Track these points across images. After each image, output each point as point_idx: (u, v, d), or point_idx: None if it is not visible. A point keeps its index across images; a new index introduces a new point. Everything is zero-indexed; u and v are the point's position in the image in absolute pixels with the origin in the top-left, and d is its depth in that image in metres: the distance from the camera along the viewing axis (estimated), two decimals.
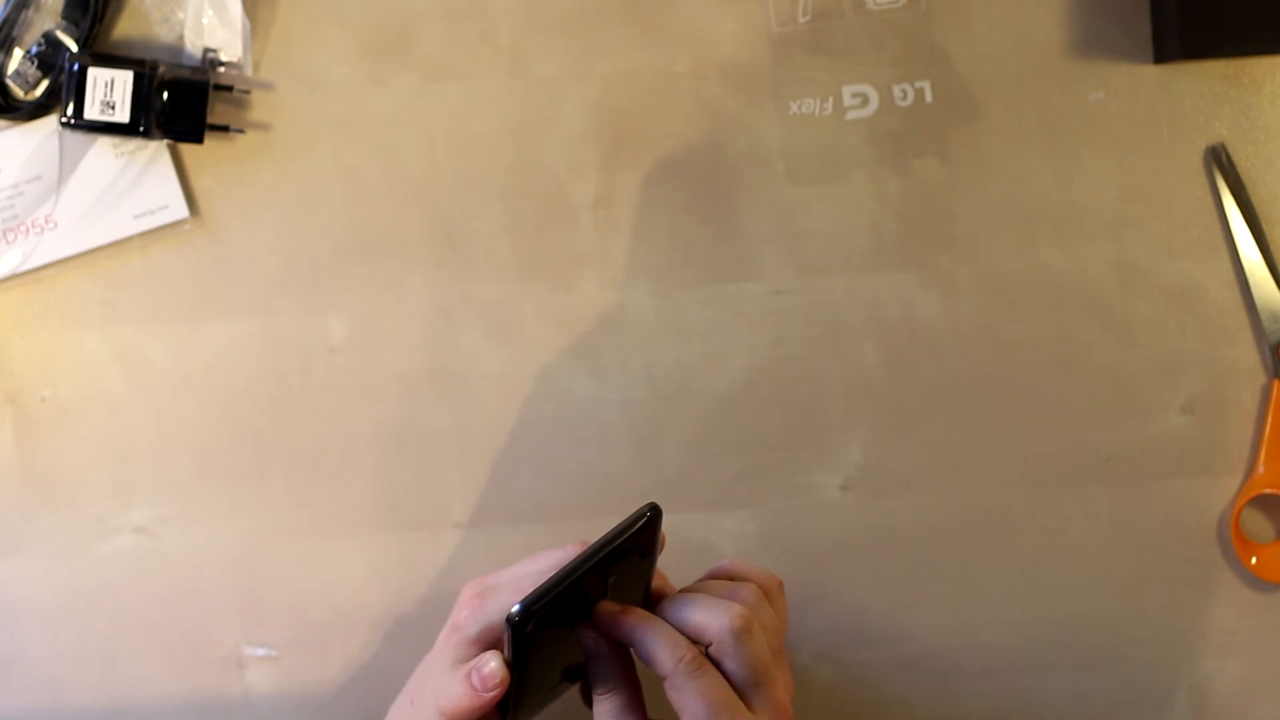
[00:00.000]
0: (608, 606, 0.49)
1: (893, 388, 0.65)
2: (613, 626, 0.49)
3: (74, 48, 0.62)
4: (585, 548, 0.48)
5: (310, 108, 0.65)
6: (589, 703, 0.50)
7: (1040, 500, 0.66)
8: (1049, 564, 0.66)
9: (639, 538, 0.48)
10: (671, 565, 0.65)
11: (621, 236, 0.65)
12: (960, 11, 0.65)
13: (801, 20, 0.65)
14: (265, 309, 0.65)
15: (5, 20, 0.63)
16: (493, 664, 0.48)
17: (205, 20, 0.63)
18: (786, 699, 0.50)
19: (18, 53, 0.63)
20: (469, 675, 0.48)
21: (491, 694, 0.47)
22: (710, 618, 0.49)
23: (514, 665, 0.47)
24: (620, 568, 0.48)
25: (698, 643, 0.49)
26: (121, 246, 0.64)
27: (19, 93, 0.63)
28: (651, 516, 0.48)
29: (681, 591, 0.52)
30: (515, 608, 0.46)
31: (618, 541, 0.47)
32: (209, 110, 0.63)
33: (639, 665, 0.50)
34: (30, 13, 0.63)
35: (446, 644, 0.52)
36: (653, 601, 0.51)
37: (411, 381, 0.65)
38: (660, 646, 0.48)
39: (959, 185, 0.65)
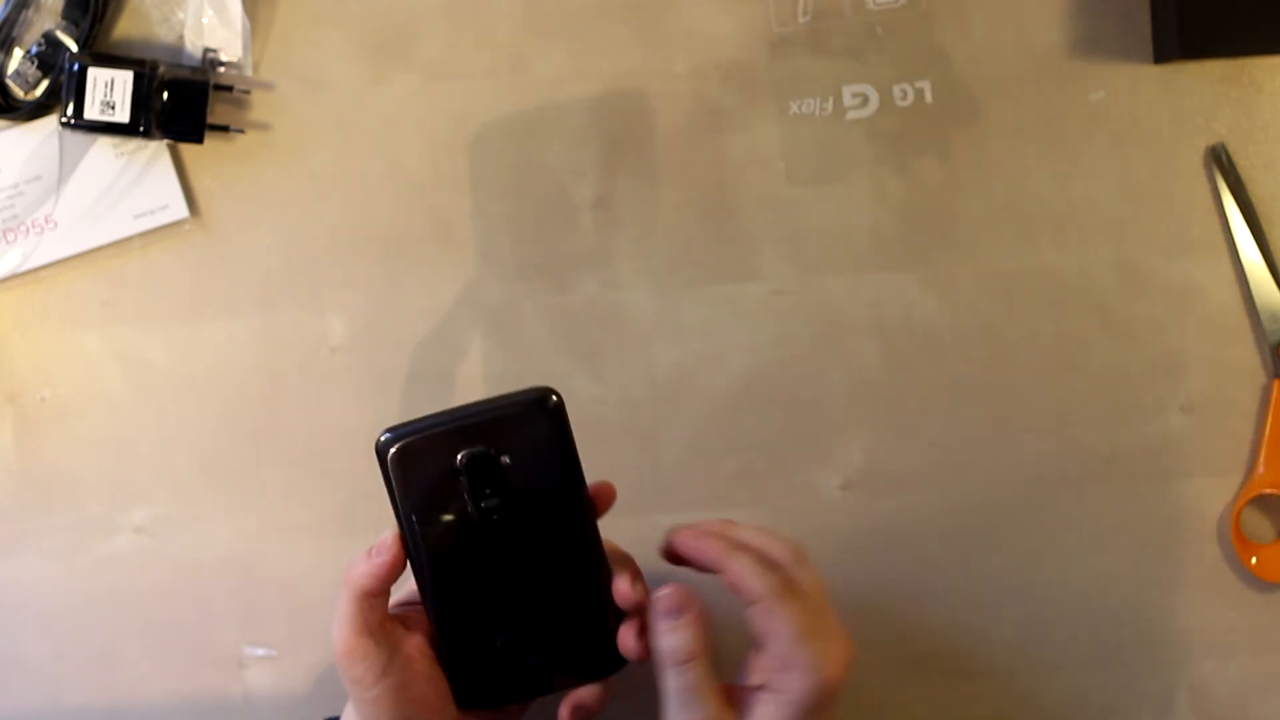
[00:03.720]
0: (682, 531, 0.50)
1: (893, 388, 0.65)
2: (694, 552, 0.50)
3: (74, 48, 0.62)
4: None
5: (310, 108, 0.65)
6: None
7: (1040, 500, 0.66)
8: (1049, 564, 0.66)
9: (527, 418, 0.47)
10: (672, 565, 0.65)
11: (621, 236, 0.65)
12: (960, 11, 0.65)
13: (801, 20, 0.65)
14: (265, 309, 0.65)
15: (5, 20, 0.63)
16: (382, 535, 0.49)
17: (205, 20, 0.63)
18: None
19: (18, 53, 0.63)
20: (367, 551, 0.49)
21: (380, 559, 0.48)
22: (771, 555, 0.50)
23: (397, 509, 0.47)
24: (517, 454, 0.47)
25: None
26: (121, 246, 0.64)
27: (19, 93, 0.63)
28: (541, 400, 0.47)
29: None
30: (384, 434, 0.47)
31: (500, 404, 0.47)
32: (209, 110, 0.63)
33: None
34: (30, 13, 0.63)
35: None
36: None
37: (411, 381, 0.65)
38: (752, 571, 0.48)
39: (959, 185, 0.65)
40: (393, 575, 0.48)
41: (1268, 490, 0.65)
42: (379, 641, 0.48)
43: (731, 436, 0.65)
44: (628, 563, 0.51)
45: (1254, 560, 0.65)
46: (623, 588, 0.49)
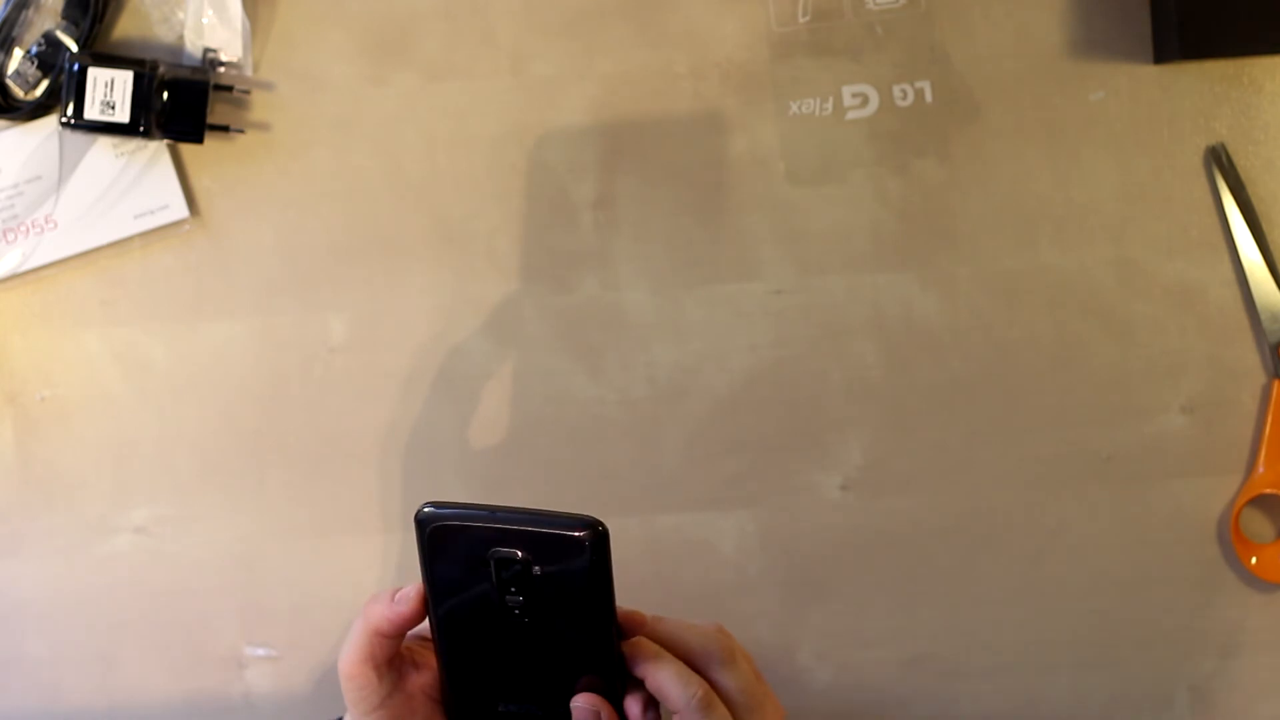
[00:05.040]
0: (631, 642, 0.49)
1: (893, 388, 0.65)
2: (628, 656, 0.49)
3: (74, 48, 0.62)
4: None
5: (310, 108, 0.65)
6: None
7: (1040, 500, 0.66)
8: (1049, 564, 0.66)
9: (568, 542, 0.46)
10: (671, 565, 0.65)
11: (621, 236, 0.65)
12: (960, 11, 0.65)
13: (801, 20, 0.65)
14: (265, 309, 0.65)
15: (5, 20, 0.63)
16: (408, 587, 0.49)
17: (205, 20, 0.63)
18: None
19: (18, 53, 0.63)
20: (392, 593, 0.49)
21: (400, 609, 0.48)
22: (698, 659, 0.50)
23: (425, 578, 0.48)
24: (551, 570, 0.47)
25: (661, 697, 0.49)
26: (121, 246, 0.64)
27: (19, 93, 0.63)
28: (585, 528, 0.46)
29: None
30: (425, 507, 0.47)
31: (544, 520, 0.47)
32: (209, 110, 0.63)
33: None
34: (30, 13, 0.63)
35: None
36: (625, 636, 0.50)
37: (411, 381, 0.65)
38: (674, 682, 0.48)
39: (959, 185, 0.65)
40: (409, 625, 0.48)
41: (1268, 490, 0.65)
42: (382, 675, 0.48)
43: (731, 436, 0.65)
44: (660, 670, 0.49)
45: (1254, 560, 0.65)
46: (633, 712, 0.49)
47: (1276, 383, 0.65)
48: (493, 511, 0.47)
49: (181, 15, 0.64)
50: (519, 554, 0.47)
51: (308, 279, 0.65)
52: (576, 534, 0.46)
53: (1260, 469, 0.65)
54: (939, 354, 0.65)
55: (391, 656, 0.49)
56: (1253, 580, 0.66)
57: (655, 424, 0.65)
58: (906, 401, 0.65)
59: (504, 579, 0.47)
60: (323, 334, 0.65)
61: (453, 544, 0.47)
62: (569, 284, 0.65)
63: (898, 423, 0.65)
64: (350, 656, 0.48)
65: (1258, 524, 0.66)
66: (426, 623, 0.50)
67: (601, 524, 0.46)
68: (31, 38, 0.63)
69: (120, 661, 0.65)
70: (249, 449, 0.65)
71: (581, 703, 0.48)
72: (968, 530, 0.66)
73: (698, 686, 0.48)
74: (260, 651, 0.65)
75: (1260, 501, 0.66)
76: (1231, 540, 0.65)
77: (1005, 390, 0.65)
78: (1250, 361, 0.66)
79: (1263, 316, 0.65)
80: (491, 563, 0.47)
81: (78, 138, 0.63)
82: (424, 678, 0.50)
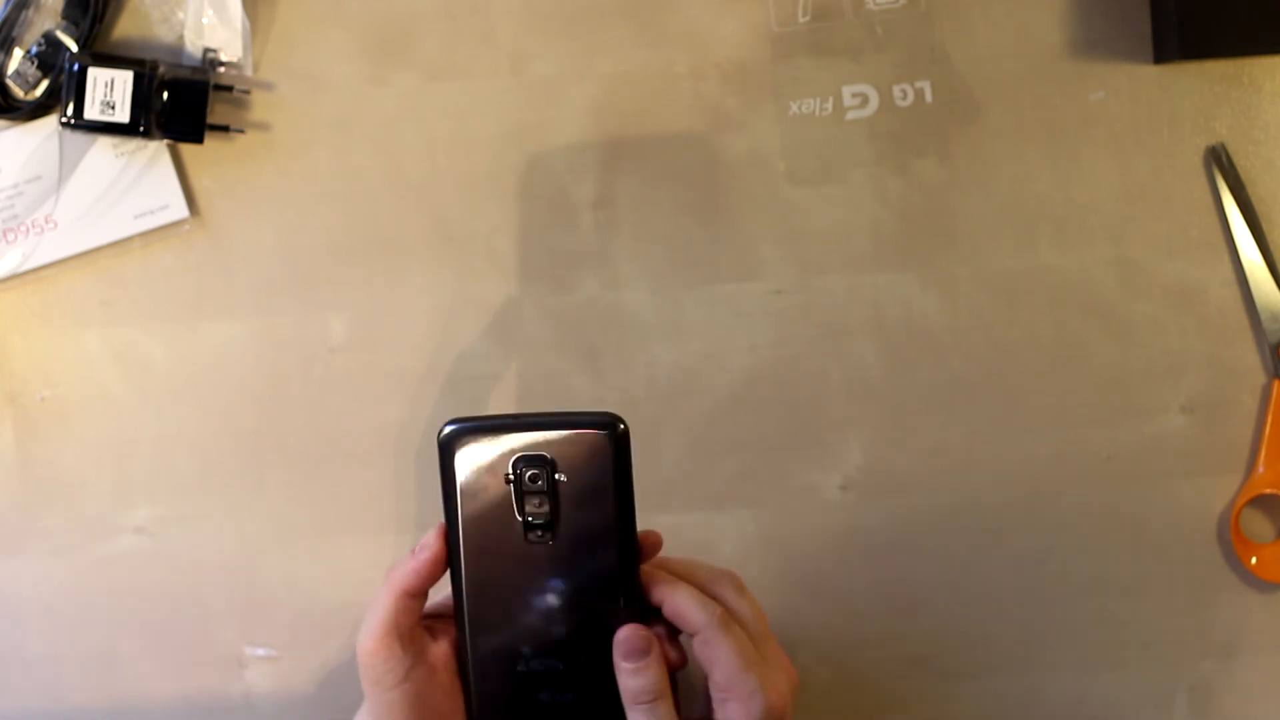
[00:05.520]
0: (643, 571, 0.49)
1: (893, 388, 0.65)
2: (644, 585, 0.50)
3: (74, 48, 0.62)
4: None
5: (310, 108, 0.65)
6: None
7: (1040, 500, 0.66)
8: (1049, 564, 0.66)
9: (591, 440, 0.46)
10: None
11: (621, 236, 0.65)
12: (960, 11, 0.65)
13: (801, 20, 0.65)
14: (265, 309, 0.65)
15: (5, 20, 0.63)
16: (426, 534, 0.49)
17: (205, 20, 0.63)
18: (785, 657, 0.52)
19: (18, 53, 0.63)
20: (411, 550, 0.49)
21: (423, 556, 0.48)
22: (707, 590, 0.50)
23: (447, 502, 0.47)
24: (574, 474, 0.47)
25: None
26: (121, 246, 0.64)
27: (19, 93, 0.63)
28: (607, 425, 0.46)
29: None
30: (448, 425, 0.46)
31: (565, 420, 0.47)
32: (209, 110, 0.63)
33: None
34: (30, 13, 0.63)
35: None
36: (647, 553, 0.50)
37: (411, 381, 0.65)
38: (692, 603, 0.48)
39: (959, 185, 0.65)
40: (435, 572, 0.48)
41: (1268, 490, 0.65)
42: (405, 646, 0.48)
43: (731, 436, 0.65)
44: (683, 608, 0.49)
45: (1254, 560, 0.65)
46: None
47: (1276, 383, 0.65)
48: (514, 418, 0.47)
49: (181, 15, 0.64)
50: (541, 459, 0.47)
51: (308, 279, 0.65)
52: (599, 428, 0.46)
53: (1260, 469, 0.65)
54: (939, 354, 0.65)
55: (414, 625, 0.49)
56: (1253, 580, 0.66)
57: (655, 424, 0.65)
58: (906, 401, 0.65)
59: (526, 490, 0.47)
60: (323, 334, 0.65)
61: (475, 460, 0.47)
62: (569, 284, 0.65)
63: (898, 423, 0.65)
64: (372, 631, 0.48)
65: (1258, 524, 0.66)
66: (443, 602, 0.50)
67: (623, 420, 0.47)
68: (31, 38, 0.63)
69: (120, 661, 0.65)
70: (249, 449, 0.65)
71: (628, 633, 0.48)
72: (968, 530, 0.66)
73: (715, 607, 0.48)
74: (260, 651, 0.65)
75: (1260, 501, 0.66)
76: (1231, 540, 0.65)
77: (1005, 390, 0.65)
78: (1250, 361, 0.66)
79: (1263, 316, 0.65)
80: (513, 474, 0.47)
81: (78, 138, 0.63)
82: (444, 647, 0.50)
